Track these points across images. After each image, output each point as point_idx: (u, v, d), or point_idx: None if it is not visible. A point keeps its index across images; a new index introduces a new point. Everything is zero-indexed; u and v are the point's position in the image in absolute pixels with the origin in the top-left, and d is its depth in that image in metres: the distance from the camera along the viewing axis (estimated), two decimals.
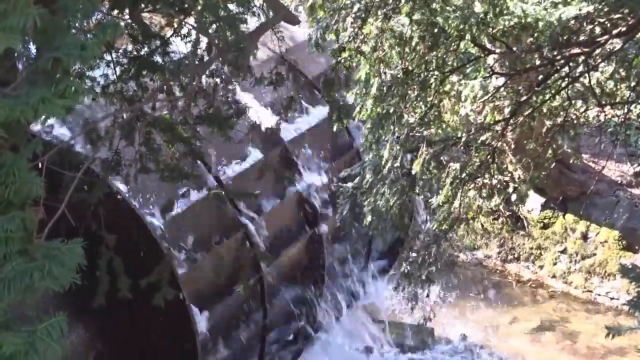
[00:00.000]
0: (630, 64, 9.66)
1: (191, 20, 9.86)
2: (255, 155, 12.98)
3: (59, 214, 6.27)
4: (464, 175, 9.97)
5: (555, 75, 9.54)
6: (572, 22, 8.85)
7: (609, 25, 8.92)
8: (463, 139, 9.73)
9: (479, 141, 9.86)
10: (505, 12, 8.63)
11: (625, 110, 10.82)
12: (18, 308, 5.56)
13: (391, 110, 9.45)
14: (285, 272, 13.81)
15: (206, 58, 10.03)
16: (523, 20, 8.76)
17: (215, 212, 12.22)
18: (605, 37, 8.86)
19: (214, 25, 9.39)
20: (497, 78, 9.54)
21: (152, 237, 10.91)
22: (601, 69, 9.93)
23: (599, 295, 18.84)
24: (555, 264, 19.44)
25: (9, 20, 5.11)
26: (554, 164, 11.85)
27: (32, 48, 5.87)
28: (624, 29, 8.75)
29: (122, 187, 10.75)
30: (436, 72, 9.22)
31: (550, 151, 10.70)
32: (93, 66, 7.93)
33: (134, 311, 11.30)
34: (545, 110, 10.12)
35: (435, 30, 8.85)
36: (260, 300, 12.91)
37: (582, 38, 9.06)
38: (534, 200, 19.57)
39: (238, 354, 12.85)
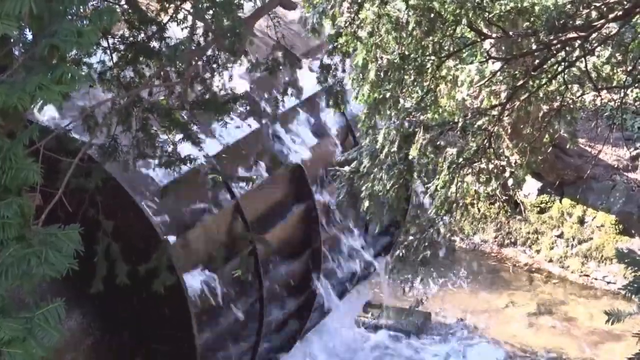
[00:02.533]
0: (626, 48, 9.67)
1: (187, 5, 9.85)
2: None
3: (55, 199, 6.27)
4: (460, 160, 9.98)
5: (552, 59, 9.55)
6: (569, 6, 8.87)
7: (605, 9, 8.93)
8: (460, 124, 9.74)
9: (475, 126, 9.87)
10: None
11: (622, 95, 10.84)
12: (16, 294, 5.57)
13: (388, 95, 9.45)
14: (280, 247, 13.74)
15: (203, 44, 10.02)
16: (519, 5, 8.77)
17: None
18: (602, 21, 8.87)
19: (210, 11, 9.37)
20: (493, 63, 9.55)
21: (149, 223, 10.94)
22: (597, 53, 9.94)
23: (595, 279, 18.88)
24: (552, 248, 19.47)
25: (5, 6, 5.10)
26: (550, 149, 11.88)
27: (29, 34, 5.86)
28: (620, 13, 8.76)
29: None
30: (433, 57, 9.22)
31: (546, 136, 10.72)
32: (90, 52, 7.92)
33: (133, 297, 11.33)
34: (541, 95, 10.13)
35: (432, 15, 8.85)
36: (256, 272, 12.83)
37: (578, 22, 9.07)
38: (531, 185, 19.59)
39: (235, 330, 12.86)
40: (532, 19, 9.11)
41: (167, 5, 9.84)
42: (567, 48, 9.34)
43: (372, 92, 9.40)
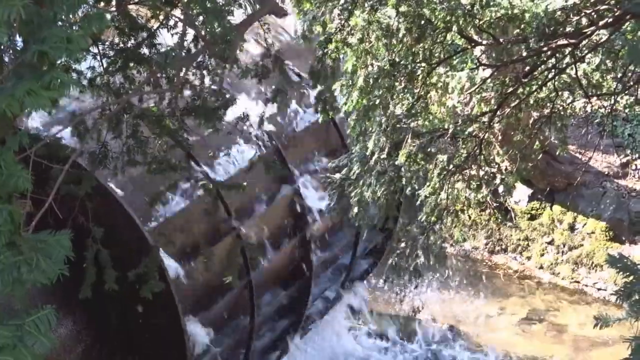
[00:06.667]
0: (616, 55, 9.69)
1: (178, 12, 9.84)
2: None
3: (46, 206, 6.25)
4: (451, 166, 9.97)
5: (542, 66, 9.56)
6: (559, 13, 8.87)
7: (595, 16, 8.93)
8: (450, 131, 9.73)
9: (466, 133, 9.87)
10: (491, 3, 8.64)
11: (612, 101, 10.85)
12: (6, 301, 5.56)
13: (377, 102, 9.45)
14: (273, 274, 13.76)
15: (193, 50, 10.02)
16: (510, 12, 8.77)
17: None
18: (592, 28, 8.88)
19: (201, 17, 9.37)
20: (483, 69, 9.55)
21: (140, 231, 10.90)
22: (588, 60, 9.96)
23: (586, 286, 18.92)
24: (542, 255, 19.50)
25: None
26: (540, 156, 11.88)
27: (19, 40, 5.85)
28: (610, 20, 8.76)
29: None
30: (423, 64, 9.22)
31: (537, 142, 10.72)
32: (80, 58, 7.91)
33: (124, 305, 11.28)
34: (532, 102, 10.14)
35: (422, 22, 8.85)
36: (249, 300, 12.85)
37: (568, 29, 9.08)
38: (521, 192, 19.63)
39: (225, 352, 12.83)
40: (522, 26, 9.11)
41: (157, 12, 9.83)
42: (557, 55, 9.35)
43: (361, 98, 9.40)
